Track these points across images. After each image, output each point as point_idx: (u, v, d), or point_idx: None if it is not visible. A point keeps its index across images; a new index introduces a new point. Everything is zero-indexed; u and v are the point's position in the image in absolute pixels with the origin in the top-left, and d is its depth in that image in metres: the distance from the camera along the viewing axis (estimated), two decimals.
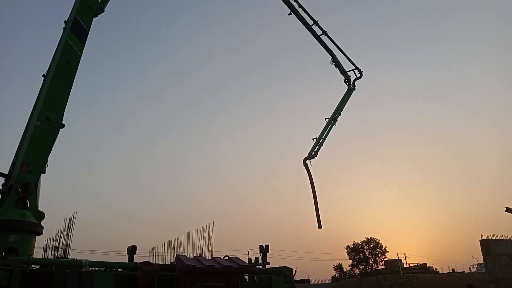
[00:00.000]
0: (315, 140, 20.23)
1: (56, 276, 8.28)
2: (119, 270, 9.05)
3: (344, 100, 22.23)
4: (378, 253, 61.15)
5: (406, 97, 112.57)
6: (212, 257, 10.26)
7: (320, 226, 18.65)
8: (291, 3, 20.03)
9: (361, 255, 61.26)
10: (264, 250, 11.09)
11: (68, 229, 10.01)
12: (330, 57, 21.93)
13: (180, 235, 10.74)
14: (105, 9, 11.62)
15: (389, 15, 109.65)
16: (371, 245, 61.50)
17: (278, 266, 11.01)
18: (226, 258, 10.12)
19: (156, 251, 10.91)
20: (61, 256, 9.98)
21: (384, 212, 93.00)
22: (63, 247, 10.05)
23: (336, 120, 21.32)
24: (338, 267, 61.75)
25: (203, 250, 10.65)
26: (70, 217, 10.10)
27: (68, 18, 11.37)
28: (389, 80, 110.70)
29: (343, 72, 22.55)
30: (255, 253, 11.44)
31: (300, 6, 20.25)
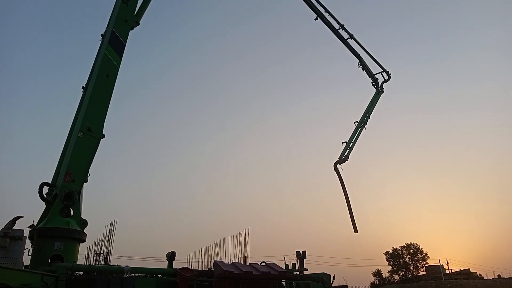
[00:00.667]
0: (345, 144, 20.03)
1: (99, 282, 8.49)
2: (159, 276, 9.21)
3: (372, 103, 21.93)
4: (418, 259, 59.26)
5: (445, 100, 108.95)
6: (249, 263, 10.31)
7: (356, 231, 18.41)
8: (317, 8, 20.03)
9: (401, 261, 59.53)
10: (301, 256, 10.97)
11: (109, 236, 10.31)
12: (357, 60, 21.77)
13: (216, 241, 10.83)
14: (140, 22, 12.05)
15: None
16: (411, 251, 59.67)
17: (316, 272, 10.93)
18: (263, 264, 10.14)
19: (194, 257, 11.04)
20: (103, 263, 10.27)
21: (424, 217, 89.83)
22: (105, 254, 10.34)
23: (366, 124, 21.03)
24: (377, 274, 60.25)
25: (240, 256, 10.67)
26: (111, 224, 10.41)
27: (105, 31, 11.87)
28: (427, 81, 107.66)
29: (370, 75, 22.28)
30: (292, 259, 11.39)
31: (326, 10, 20.21)
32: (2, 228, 9.12)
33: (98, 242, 10.33)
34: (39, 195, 9.84)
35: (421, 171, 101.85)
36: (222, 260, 10.39)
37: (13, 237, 9.06)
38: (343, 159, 19.40)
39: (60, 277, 8.19)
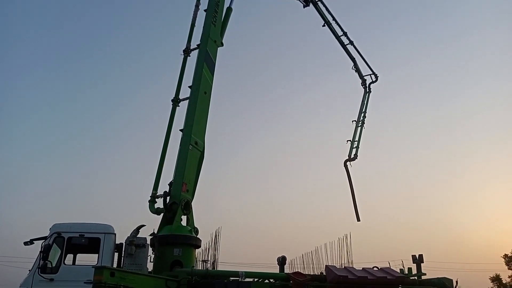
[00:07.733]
0: (349, 142, 21.90)
1: (218, 285, 9.15)
2: (271, 280, 9.75)
3: (363, 102, 24.20)
4: None
5: None
6: (362, 268, 10.25)
7: (358, 219, 19.66)
8: (325, 16, 21.51)
9: None
10: (418, 260, 10.69)
11: (215, 243, 10.89)
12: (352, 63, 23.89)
13: (317, 247, 11.37)
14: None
15: None
16: None
17: (435, 277, 10.49)
18: (376, 269, 10.18)
19: (295, 263, 11.59)
20: (210, 269, 10.78)
21: None
22: (212, 260, 10.90)
23: (364, 123, 23.16)
24: (496, 279, 49.28)
25: (343, 262, 11.11)
26: (216, 232, 10.96)
27: (186, 47, 12.38)
28: None
29: (360, 76, 24.52)
30: (397, 265, 11.02)
31: (334, 19, 21.74)
32: (128, 236, 9.49)
33: (204, 249, 10.81)
34: (164, 204, 10.14)
35: None
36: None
37: (138, 244, 9.44)
38: (352, 158, 21.23)
39: (181, 281, 8.75)
